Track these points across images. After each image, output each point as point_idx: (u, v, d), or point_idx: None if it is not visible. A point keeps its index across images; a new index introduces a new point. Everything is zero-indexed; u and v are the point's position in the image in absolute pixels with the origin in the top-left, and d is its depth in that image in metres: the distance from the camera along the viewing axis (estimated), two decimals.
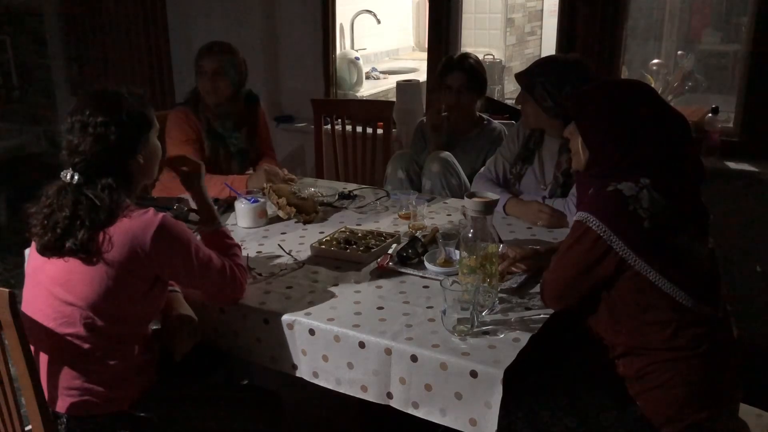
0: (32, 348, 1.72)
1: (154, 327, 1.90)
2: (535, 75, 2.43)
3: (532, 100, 2.44)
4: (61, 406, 1.72)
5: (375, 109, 3.62)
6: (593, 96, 1.79)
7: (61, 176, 1.71)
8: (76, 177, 1.69)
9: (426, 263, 2.08)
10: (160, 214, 1.70)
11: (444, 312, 1.72)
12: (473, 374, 1.59)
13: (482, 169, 2.74)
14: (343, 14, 4.47)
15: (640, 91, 1.76)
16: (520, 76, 2.50)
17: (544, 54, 5.49)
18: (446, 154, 2.85)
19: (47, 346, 1.71)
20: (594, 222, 1.64)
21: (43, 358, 1.72)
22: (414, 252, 2.13)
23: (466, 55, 3.01)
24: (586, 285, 1.71)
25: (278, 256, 2.19)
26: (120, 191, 1.70)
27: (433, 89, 3.56)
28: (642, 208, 1.61)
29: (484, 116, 3.07)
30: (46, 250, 1.69)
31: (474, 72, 2.95)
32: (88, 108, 1.69)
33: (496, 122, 3.05)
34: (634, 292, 1.66)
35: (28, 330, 1.69)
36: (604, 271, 1.66)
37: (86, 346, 1.69)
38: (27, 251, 2.22)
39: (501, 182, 2.65)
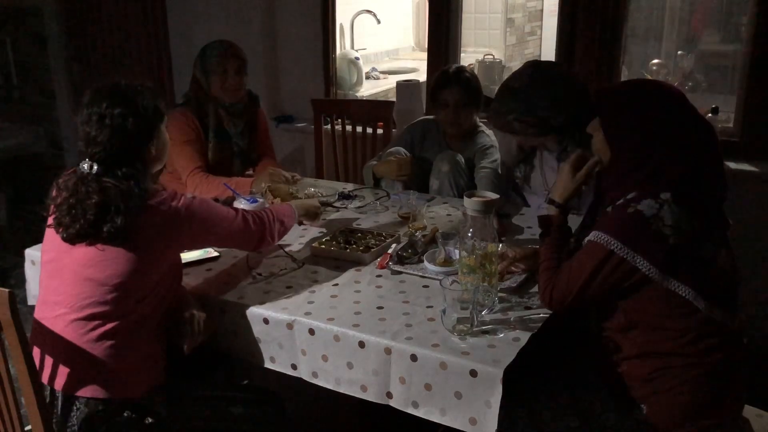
0: (37, 349, 1.76)
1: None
2: (503, 114, 2.41)
3: (506, 130, 2.45)
4: (78, 389, 1.74)
5: (375, 109, 3.62)
6: (621, 94, 1.78)
7: (80, 167, 1.77)
8: (95, 167, 1.74)
9: (426, 263, 2.08)
10: (184, 197, 1.82)
11: (444, 311, 1.72)
12: (473, 373, 1.59)
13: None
14: (343, 14, 4.47)
15: (670, 95, 1.73)
16: (491, 122, 2.49)
17: (544, 54, 5.50)
18: (455, 154, 2.82)
19: (69, 329, 1.74)
20: (616, 245, 1.62)
21: (60, 343, 1.74)
22: (414, 252, 2.13)
23: (462, 69, 2.90)
24: (600, 297, 1.70)
25: (278, 256, 2.19)
26: (138, 178, 1.77)
27: (428, 106, 3.48)
28: (665, 225, 1.59)
29: (480, 124, 2.96)
30: (78, 238, 1.73)
31: (471, 86, 2.84)
32: (105, 100, 1.75)
33: (487, 134, 2.93)
34: (656, 302, 1.64)
35: (44, 318, 1.76)
36: (625, 286, 1.65)
37: (111, 325, 1.74)
38: (27, 252, 2.24)
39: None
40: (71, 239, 1.74)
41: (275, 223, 2.07)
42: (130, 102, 1.76)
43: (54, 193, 1.79)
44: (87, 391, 1.74)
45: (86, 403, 1.74)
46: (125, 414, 1.76)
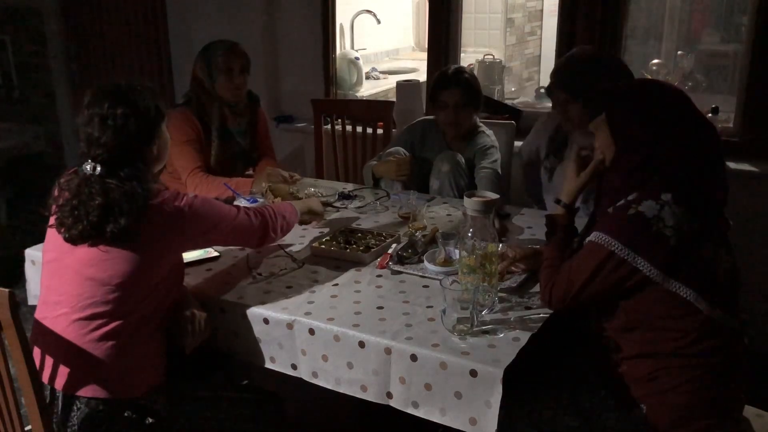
0: (38, 349, 1.76)
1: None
2: (583, 76, 2.36)
3: (579, 102, 2.36)
4: (78, 389, 1.74)
5: (375, 109, 3.62)
6: (628, 91, 1.79)
7: (84, 169, 1.76)
8: (98, 168, 1.74)
9: (426, 263, 2.08)
10: (187, 195, 1.82)
11: (444, 311, 1.72)
12: (473, 373, 1.59)
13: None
14: (343, 14, 4.47)
15: (674, 96, 1.74)
16: (564, 80, 2.42)
17: (544, 54, 5.50)
18: (455, 154, 2.81)
19: (70, 329, 1.74)
20: (617, 246, 1.62)
21: (61, 343, 1.74)
22: (414, 252, 2.13)
23: (461, 69, 2.88)
24: (600, 297, 1.70)
25: (278, 256, 2.18)
26: (140, 178, 1.77)
27: (428, 106, 3.48)
28: (667, 226, 1.59)
29: (480, 125, 2.94)
30: (80, 239, 1.73)
31: (470, 87, 2.82)
32: (107, 101, 1.75)
33: (488, 134, 2.92)
34: (657, 302, 1.64)
35: (45, 318, 1.76)
36: (626, 287, 1.65)
37: (112, 325, 1.73)
38: (27, 252, 2.24)
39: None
40: (73, 240, 1.74)
41: (277, 218, 2.08)
42: (131, 102, 1.76)
43: (56, 192, 1.78)
44: (87, 391, 1.74)
45: (87, 403, 1.74)
46: (126, 414, 1.76)
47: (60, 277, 1.78)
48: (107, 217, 1.70)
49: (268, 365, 1.90)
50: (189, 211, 1.80)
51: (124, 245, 1.72)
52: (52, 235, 1.80)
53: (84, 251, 1.74)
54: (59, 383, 1.75)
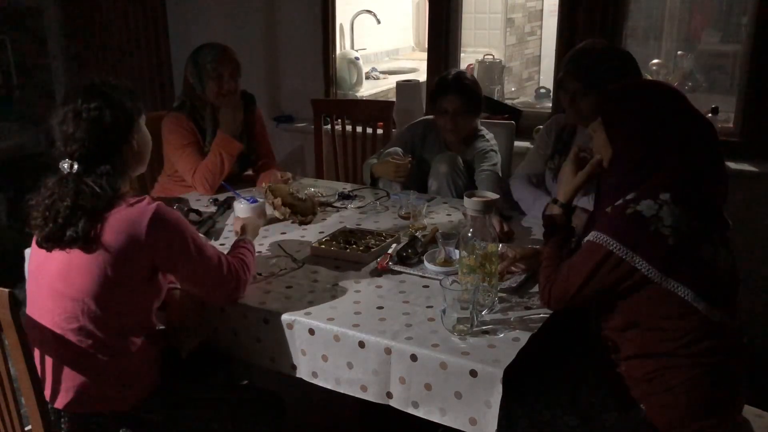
0: (34, 349, 1.74)
1: (159, 327, 1.90)
2: (598, 66, 2.32)
3: (593, 94, 2.30)
4: (64, 403, 1.72)
5: (375, 109, 3.62)
6: (624, 92, 1.79)
7: (60, 167, 1.71)
8: (75, 166, 1.69)
9: (426, 263, 2.08)
10: (156, 202, 1.72)
11: (444, 311, 1.72)
12: (473, 373, 1.59)
13: (518, 172, 2.69)
14: (343, 14, 4.48)
15: (671, 96, 1.74)
16: (579, 70, 2.36)
17: (544, 54, 5.50)
18: (454, 155, 2.81)
19: (52, 344, 1.71)
20: (615, 245, 1.62)
21: (47, 356, 1.72)
22: (414, 252, 2.13)
23: (462, 75, 2.85)
24: (598, 296, 1.70)
25: (278, 256, 2.19)
26: (117, 178, 1.72)
27: (428, 108, 3.47)
28: (665, 225, 1.59)
29: (481, 129, 2.92)
30: (47, 242, 1.69)
31: (470, 93, 2.79)
32: (80, 97, 1.71)
33: (487, 138, 2.90)
34: (655, 302, 1.64)
35: (30, 329, 1.71)
36: (624, 287, 1.65)
37: (90, 340, 1.69)
38: (27, 252, 2.24)
39: (537, 182, 2.61)
40: (43, 242, 1.69)
41: (249, 278, 1.93)
42: (105, 95, 1.71)
43: (42, 192, 1.74)
44: (76, 405, 1.71)
45: (75, 417, 1.72)
46: (120, 429, 1.74)
47: (38, 289, 1.75)
48: (71, 220, 1.65)
49: (268, 365, 1.90)
50: (152, 216, 1.68)
51: (87, 252, 1.65)
52: (35, 242, 1.77)
53: (54, 264, 1.69)
54: (47, 395, 1.72)
